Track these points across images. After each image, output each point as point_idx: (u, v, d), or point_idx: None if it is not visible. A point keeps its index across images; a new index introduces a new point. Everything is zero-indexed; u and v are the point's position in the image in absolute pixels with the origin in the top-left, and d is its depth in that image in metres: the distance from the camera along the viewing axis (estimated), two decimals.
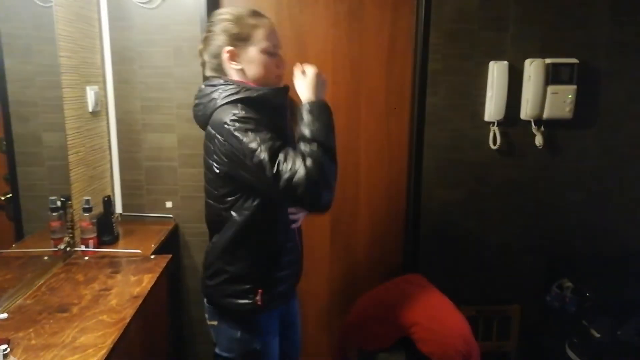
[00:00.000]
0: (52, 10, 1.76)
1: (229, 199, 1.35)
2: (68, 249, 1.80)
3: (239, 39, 1.36)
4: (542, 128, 2.28)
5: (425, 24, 2.20)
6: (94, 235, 1.89)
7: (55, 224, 1.76)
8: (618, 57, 2.27)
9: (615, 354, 2.13)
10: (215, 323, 1.48)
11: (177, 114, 2.23)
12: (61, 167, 1.85)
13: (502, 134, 2.28)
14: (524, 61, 2.23)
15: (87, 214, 1.86)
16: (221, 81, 1.36)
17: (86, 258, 1.84)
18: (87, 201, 1.86)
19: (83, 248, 1.86)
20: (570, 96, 2.21)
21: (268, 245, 1.41)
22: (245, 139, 1.23)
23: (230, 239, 1.38)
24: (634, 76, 2.29)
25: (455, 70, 2.25)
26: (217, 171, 1.33)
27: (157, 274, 1.70)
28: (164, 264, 1.79)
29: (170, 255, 1.88)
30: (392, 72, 2.31)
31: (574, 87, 2.20)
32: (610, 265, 2.35)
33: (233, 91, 1.32)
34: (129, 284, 1.62)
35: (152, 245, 1.98)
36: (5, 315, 1.37)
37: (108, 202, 2.03)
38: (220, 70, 1.41)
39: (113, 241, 2.00)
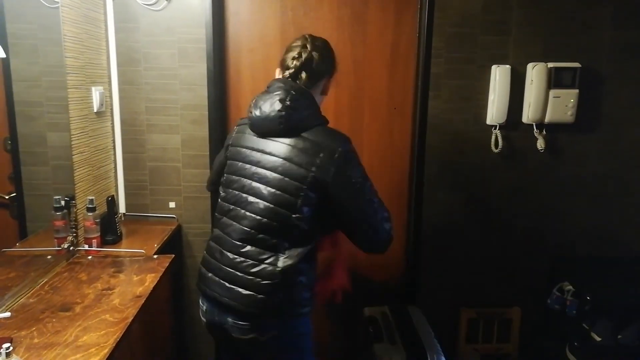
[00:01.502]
0: (58, 11, 1.77)
1: (306, 209, 1.35)
2: (71, 248, 1.82)
3: (334, 73, 1.53)
4: (544, 132, 2.28)
5: (428, 28, 2.21)
6: (98, 234, 1.90)
7: (59, 224, 1.77)
8: (620, 61, 2.27)
9: (616, 357, 2.13)
10: (275, 333, 1.38)
11: (182, 115, 2.25)
12: (65, 167, 1.86)
13: (504, 138, 2.29)
14: (526, 65, 2.24)
15: (90, 214, 1.87)
16: (308, 95, 1.42)
17: (89, 257, 1.85)
18: (91, 201, 1.87)
19: (86, 247, 1.87)
20: (572, 100, 2.22)
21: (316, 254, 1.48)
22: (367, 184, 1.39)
23: (309, 250, 1.40)
24: (636, 80, 2.29)
25: (458, 73, 2.26)
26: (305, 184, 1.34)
27: (160, 274, 1.71)
28: (166, 264, 1.80)
29: (173, 255, 1.89)
30: (395, 75, 2.32)
31: (576, 91, 2.21)
32: (611, 269, 2.35)
33: (320, 115, 1.43)
34: (132, 284, 1.63)
35: (155, 245, 1.98)
36: (8, 313, 1.38)
37: (112, 202, 2.04)
38: (307, 84, 1.44)
39: (116, 241, 2.01)
